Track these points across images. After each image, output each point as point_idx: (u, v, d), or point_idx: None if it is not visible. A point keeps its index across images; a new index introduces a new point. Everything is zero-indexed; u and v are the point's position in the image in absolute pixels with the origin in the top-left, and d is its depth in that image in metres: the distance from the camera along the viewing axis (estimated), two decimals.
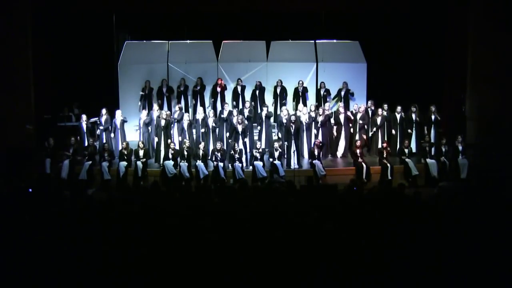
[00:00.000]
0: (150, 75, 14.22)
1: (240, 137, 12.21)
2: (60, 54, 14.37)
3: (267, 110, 12.99)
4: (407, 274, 4.92)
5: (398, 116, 13.02)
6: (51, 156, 11.82)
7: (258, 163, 11.54)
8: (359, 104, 13.28)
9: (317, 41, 14.78)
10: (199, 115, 12.78)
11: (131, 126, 13.59)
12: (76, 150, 11.96)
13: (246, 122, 12.35)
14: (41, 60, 13.35)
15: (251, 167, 11.68)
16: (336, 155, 13.03)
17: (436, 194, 9.28)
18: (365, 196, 8.26)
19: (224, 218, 6.18)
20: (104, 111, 12.76)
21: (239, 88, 14.02)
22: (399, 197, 7.86)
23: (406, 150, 11.95)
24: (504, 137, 11.52)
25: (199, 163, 11.61)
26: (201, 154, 11.75)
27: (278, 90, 14.04)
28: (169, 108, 13.84)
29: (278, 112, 13.34)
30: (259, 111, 13.37)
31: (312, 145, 12.01)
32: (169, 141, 11.97)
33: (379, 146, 12.31)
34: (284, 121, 12.33)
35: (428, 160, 11.83)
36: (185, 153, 11.72)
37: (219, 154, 11.60)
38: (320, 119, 12.66)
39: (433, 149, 12.07)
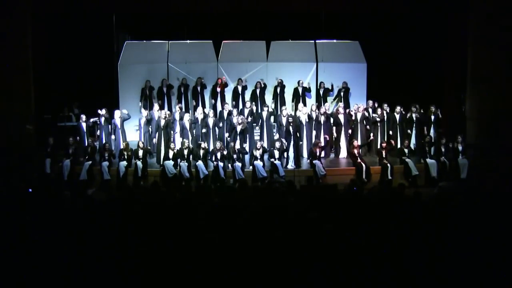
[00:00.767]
0: (150, 75, 14.23)
1: (239, 137, 12.22)
2: (60, 54, 14.37)
3: (268, 110, 13.02)
4: (407, 274, 4.92)
5: (398, 116, 13.02)
6: (51, 156, 11.83)
7: (258, 163, 11.55)
8: (358, 104, 13.30)
9: (317, 41, 14.79)
10: (199, 115, 12.80)
11: (131, 126, 13.60)
12: (75, 150, 11.97)
13: (245, 122, 12.35)
14: (41, 60, 13.35)
15: (251, 167, 11.68)
16: (338, 155, 13.03)
17: (436, 194, 9.28)
18: (365, 196, 8.26)
19: (224, 218, 6.18)
20: (103, 111, 12.76)
21: (239, 88, 14.02)
22: (399, 197, 7.86)
23: (406, 150, 11.96)
24: (504, 137, 11.52)
25: (199, 163, 11.61)
26: (201, 154, 11.75)
27: (278, 90, 14.04)
28: (170, 108, 13.85)
29: (278, 112, 13.33)
30: (259, 110, 13.38)
31: (314, 145, 11.98)
32: (172, 145, 11.94)
33: (379, 146, 12.33)
34: (284, 121, 12.35)
35: (428, 160, 11.84)
36: (185, 153, 11.72)
37: (219, 154, 11.61)
38: (322, 119, 12.68)
39: (433, 149, 12.07)
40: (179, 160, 11.70)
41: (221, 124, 12.74)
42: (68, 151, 11.89)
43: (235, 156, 11.60)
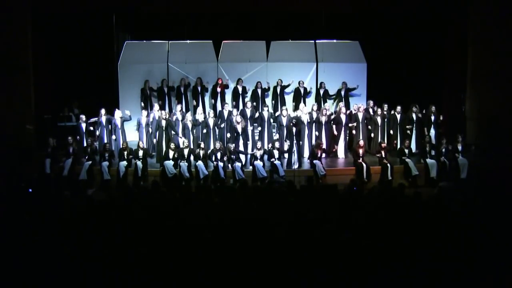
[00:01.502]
0: (150, 75, 14.22)
1: (241, 137, 12.23)
2: (60, 54, 14.37)
3: (268, 110, 13.02)
4: (407, 274, 4.92)
5: (398, 116, 13.02)
6: (51, 156, 11.83)
7: (258, 163, 11.54)
8: (358, 104, 13.30)
9: (317, 41, 14.78)
10: (199, 115, 12.79)
11: (131, 126, 13.60)
12: (75, 150, 11.97)
13: (244, 122, 12.34)
14: (41, 60, 13.34)
15: (251, 167, 11.68)
16: (337, 155, 13.02)
17: (436, 194, 9.27)
18: (365, 196, 8.26)
19: (224, 218, 6.18)
20: (103, 111, 12.76)
21: (239, 88, 14.02)
22: (399, 197, 7.86)
23: (406, 150, 11.96)
24: (504, 137, 11.52)
25: (199, 163, 11.61)
26: (201, 154, 11.75)
27: (278, 90, 14.04)
28: (170, 108, 13.85)
29: (278, 112, 13.34)
30: (260, 110, 13.38)
31: (316, 146, 11.95)
32: (172, 145, 11.94)
33: (379, 146, 12.32)
34: (284, 121, 12.34)
35: (428, 160, 11.83)
36: (185, 153, 11.72)
37: (219, 154, 11.61)
38: (323, 119, 12.68)
39: (433, 149, 12.07)
40: (179, 160, 11.70)
41: (222, 125, 12.73)
42: (68, 151, 11.88)
43: (234, 156, 11.60)
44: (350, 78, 14.18)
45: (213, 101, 13.96)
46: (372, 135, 12.98)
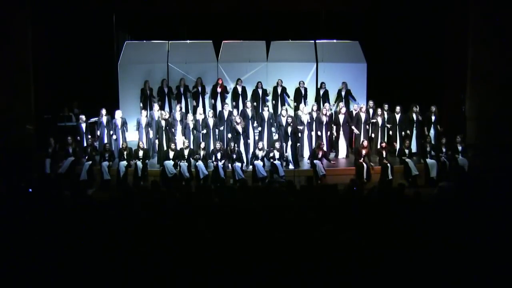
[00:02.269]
0: (150, 75, 14.21)
1: (242, 136, 12.23)
2: (60, 54, 14.36)
3: (268, 110, 13.02)
4: (407, 274, 4.92)
5: (398, 116, 13.02)
6: (51, 156, 11.83)
7: (258, 163, 11.54)
8: (359, 104, 13.29)
9: (317, 41, 14.77)
10: (199, 115, 12.79)
11: (131, 126, 13.60)
12: (75, 150, 11.97)
13: (243, 122, 12.33)
14: (41, 60, 13.34)
15: (251, 167, 11.68)
16: (338, 155, 13.03)
17: (436, 194, 9.28)
18: (365, 196, 8.26)
19: (223, 218, 6.18)
20: (103, 111, 12.77)
21: (239, 89, 14.02)
22: (399, 197, 7.86)
23: (406, 150, 11.95)
24: (504, 137, 11.52)
25: (199, 163, 11.61)
26: (201, 154, 11.74)
27: (279, 90, 14.04)
28: (170, 108, 13.85)
29: (278, 112, 13.33)
30: (260, 110, 13.38)
31: (317, 147, 11.94)
32: (172, 145, 11.94)
33: (379, 146, 12.32)
34: (284, 122, 12.34)
35: (428, 160, 11.83)
36: (185, 153, 11.72)
37: (219, 154, 11.61)
38: (324, 119, 12.68)
39: (433, 149, 12.06)
40: (179, 160, 11.70)
41: (221, 128, 12.72)
42: (68, 151, 11.88)
43: (234, 156, 11.60)
44: (350, 78, 14.16)
45: (213, 101, 13.95)
46: (373, 135, 12.98)
